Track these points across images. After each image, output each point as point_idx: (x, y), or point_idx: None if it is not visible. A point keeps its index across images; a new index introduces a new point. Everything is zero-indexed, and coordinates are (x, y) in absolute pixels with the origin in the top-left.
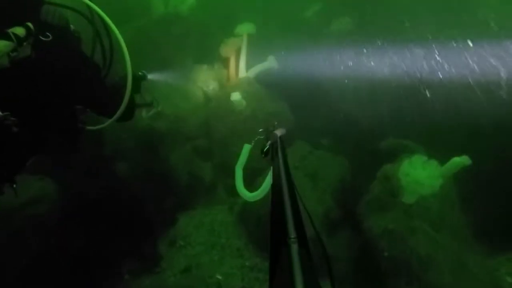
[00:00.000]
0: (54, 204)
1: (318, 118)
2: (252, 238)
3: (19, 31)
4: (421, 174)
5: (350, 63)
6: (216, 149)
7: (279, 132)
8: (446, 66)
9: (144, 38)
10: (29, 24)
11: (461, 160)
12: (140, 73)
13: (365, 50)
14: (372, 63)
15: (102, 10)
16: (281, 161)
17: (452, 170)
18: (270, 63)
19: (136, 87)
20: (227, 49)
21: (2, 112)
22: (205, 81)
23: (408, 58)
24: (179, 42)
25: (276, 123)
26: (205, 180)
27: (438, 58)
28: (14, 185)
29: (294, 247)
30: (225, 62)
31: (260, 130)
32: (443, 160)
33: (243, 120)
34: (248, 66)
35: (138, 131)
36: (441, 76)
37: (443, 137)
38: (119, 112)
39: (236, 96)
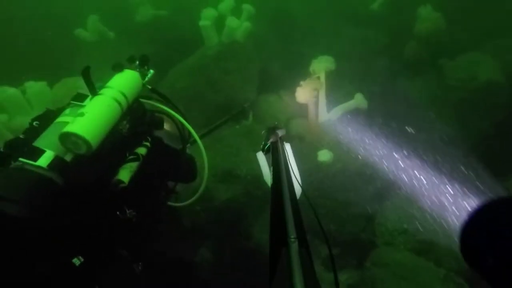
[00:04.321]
0: None
1: None
2: None
3: (143, 151)
4: None
5: None
6: (302, 211)
7: (280, 132)
8: None
9: (201, 76)
10: (147, 143)
11: None
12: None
13: None
14: None
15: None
16: (281, 161)
17: None
18: (358, 101)
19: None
20: (304, 94)
21: (128, 210)
22: (274, 115)
23: None
24: (239, 72)
25: (276, 122)
26: None
27: None
28: (140, 265)
29: (294, 247)
30: (303, 108)
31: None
32: None
33: (332, 176)
34: (331, 105)
35: (213, 202)
36: None
37: None
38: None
39: (324, 155)
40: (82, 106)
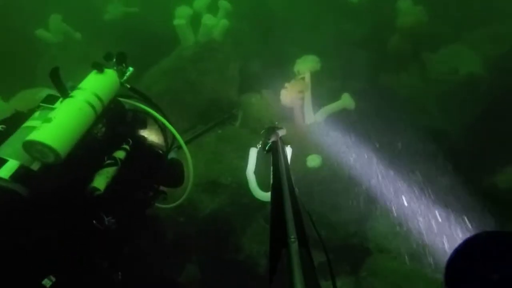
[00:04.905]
0: None
1: None
2: None
3: (121, 155)
4: None
5: None
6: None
7: (280, 132)
8: None
9: (178, 78)
10: (127, 146)
11: None
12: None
13: None
14: None
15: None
16: (281, 160)
17: None
18: (345, 102)
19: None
20: (289, 96)
21: (106, 217)
22: (257, 117)
23: None
24: (219, 73)
25: (276, 122)
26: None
27: None
28: (120, 275)
29: (294, 247)
30: (288, 110)
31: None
32: None
33: (321, 180)
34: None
35: (198, 213)
36: None
37: None
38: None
39: (314, 160)
40: (53, 110)
